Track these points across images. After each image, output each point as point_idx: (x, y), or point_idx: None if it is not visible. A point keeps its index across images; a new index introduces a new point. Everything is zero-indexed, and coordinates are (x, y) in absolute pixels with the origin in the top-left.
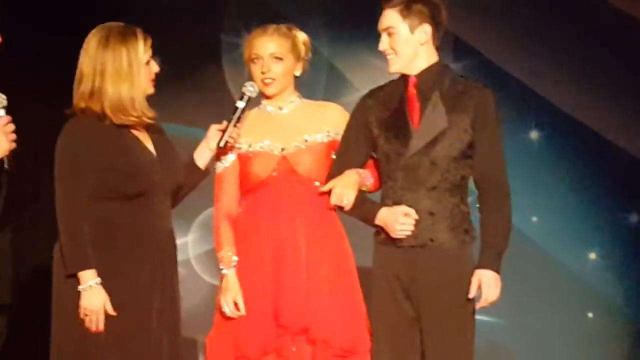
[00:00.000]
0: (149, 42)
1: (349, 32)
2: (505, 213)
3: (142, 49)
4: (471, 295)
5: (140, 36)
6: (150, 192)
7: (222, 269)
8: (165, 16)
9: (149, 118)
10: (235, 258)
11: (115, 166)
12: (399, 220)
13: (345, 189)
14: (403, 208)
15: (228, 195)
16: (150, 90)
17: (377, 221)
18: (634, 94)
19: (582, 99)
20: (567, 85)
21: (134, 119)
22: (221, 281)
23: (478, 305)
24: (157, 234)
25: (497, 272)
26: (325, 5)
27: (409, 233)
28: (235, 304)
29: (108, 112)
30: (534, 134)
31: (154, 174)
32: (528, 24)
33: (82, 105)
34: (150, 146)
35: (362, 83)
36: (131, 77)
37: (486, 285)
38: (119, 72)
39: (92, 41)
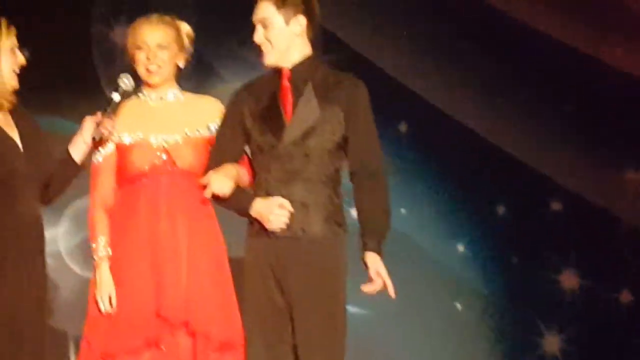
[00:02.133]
0: (13, 30)
1: (218, 23)
2: (384, 201)
3: (4, 34)
4: (377, 276)
5: (3, 23)
6: (12, 182)
7: (94, 259)
8: (34, 8)
9: (8, 101)
10: (109, 249)
11: None
12: (273, 211)
13: (224, 179)
14: (278, 199)
15: (104, 185)
16: (15, 83)
17: (252, 212)
18: (500, 86)
19: (450, 92)
20: (435, 78)
21: None
22: (94, 273)
23: (376, 287)
24: (21, 222)
25: (380, 255)
26: None
27: (283, 225)
28: (110, 300)
29: None
30: (402, 127)
31: (16, 163)
32: (396, 18)
33: None
34: (14, 135)
35: (232, 75)
36: None
37: (381, 267)
38: None
39: None
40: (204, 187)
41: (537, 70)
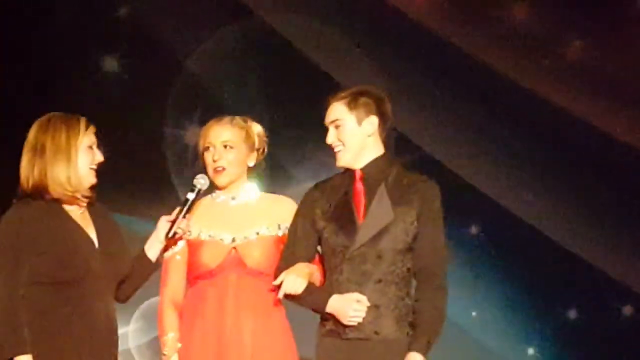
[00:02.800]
0: (92, 129)
1: (291, 125)
2: (440, 306)
3: (82, 131)
4: None
5: (82, 121)
6: (87, 279)
7: (164, 354)
8: (110, 109)
9: (86, 197)
10: (179, 344)
11: (51, 251)
12: (352, 306)
13: (297, 278)
14: (355, 295)
15: (174, 281)
16: (93, 179)
17: (329, 309)
18: (571, 190)
19: (520, 194)
20: (506, 181)
21: (69, 194)
22: None
23: None
24: (95, 322)
25: (425, 356)
26: (267, 98)
27: (360, 320)
28: None
29: (48, 188)
30: (473, 229)
31: (91, 261)
32: (469, 121)
33: (25, 186)
34: (92, 234)
35: (304, 176)
36: (69, 155)
37: None
38: (58, 149)
39: (33, 128)
40: (276, 287)
41: (608, 175)
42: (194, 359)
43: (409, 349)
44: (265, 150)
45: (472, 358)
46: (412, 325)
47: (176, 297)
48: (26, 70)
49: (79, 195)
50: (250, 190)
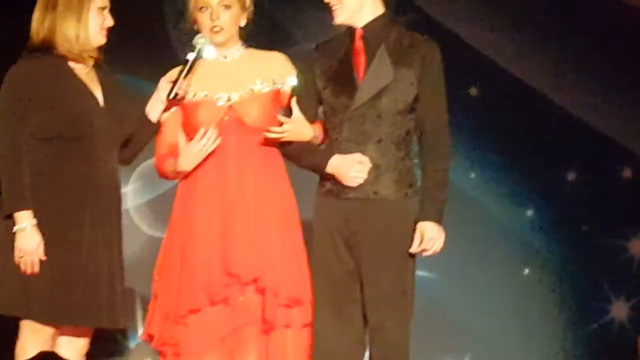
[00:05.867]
0: None
1: None
2: (444, 169)
3: None
4: (414, 248)
5: None
6: (91, 137)
7: (179, 166)
8: None
9: (93, 57)
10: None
11: (56, 107)
12: (354, 167)
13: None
14: (358, 156)
15: (170, 136)
16: (102, 39)
17: (329, 169)
18: (572, 49)
19: (521, 55)
20: (506, 42)
21: (76, 51)
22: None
23: (423, 254)
24: (98, 178)
25: (439, 223)
26: None
27: (361, 181)
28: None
29: (56, 44)
30: (473, 91)
31: (96, 118)
32: None
33: (35, 39)
34: (97, 93)
35: (304, 36)
36: (80, 13)
37: (429, 236)
38: (69, 5)
39: None
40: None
41: (610, 37)
42: (198, 220)
43: (420, 219)
44: (252, 9)
45: (470, 220)
46: (423, 193)
47: (172, 149)
48: None
49: (85, 55)
50: (242, 48)
